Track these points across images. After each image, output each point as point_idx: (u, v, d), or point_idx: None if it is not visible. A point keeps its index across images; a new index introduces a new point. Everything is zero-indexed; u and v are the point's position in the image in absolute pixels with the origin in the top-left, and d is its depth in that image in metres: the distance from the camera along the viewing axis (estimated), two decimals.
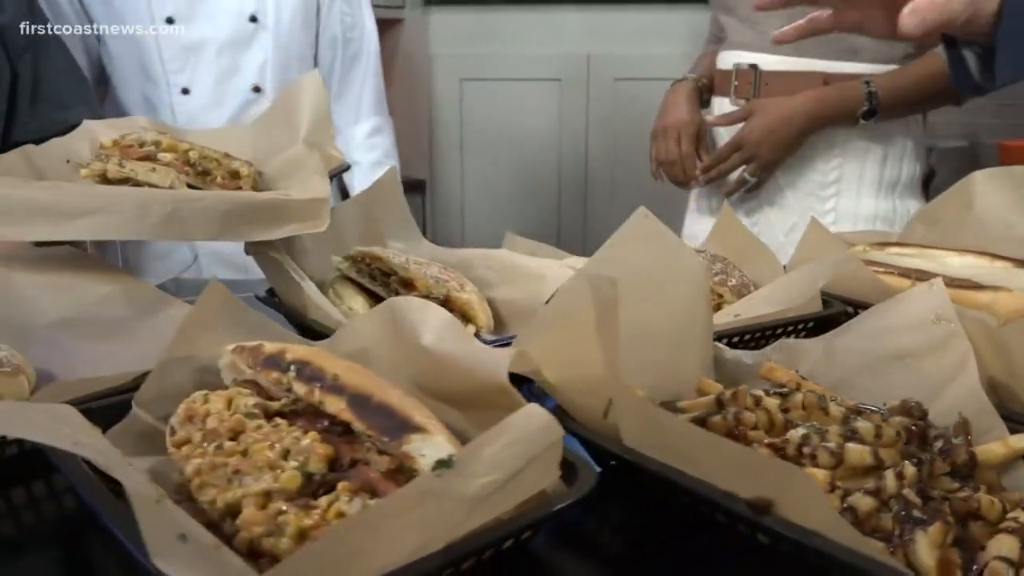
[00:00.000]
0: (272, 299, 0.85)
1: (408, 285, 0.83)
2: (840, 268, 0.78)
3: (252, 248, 0.81)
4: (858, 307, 0.80)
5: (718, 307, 0.83)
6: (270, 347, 0.56)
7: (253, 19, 1.38)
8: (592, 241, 1.33)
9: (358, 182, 1.53)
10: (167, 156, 0.88)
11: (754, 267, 0.89)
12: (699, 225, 1.49)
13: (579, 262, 0.90)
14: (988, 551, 0.41)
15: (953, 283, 0.85)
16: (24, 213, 0.73)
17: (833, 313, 0.79)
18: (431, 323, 0.56)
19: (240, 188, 0.89)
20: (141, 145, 0.89)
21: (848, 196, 1.32)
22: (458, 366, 0.50)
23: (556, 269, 0.85)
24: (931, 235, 0.96)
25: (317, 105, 0.93)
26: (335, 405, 0.50)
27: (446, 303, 0.81)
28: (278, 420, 0.51)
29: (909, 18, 0.71)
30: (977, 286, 0.84)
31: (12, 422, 0.44)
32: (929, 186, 1.69)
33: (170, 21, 1.34)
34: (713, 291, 0.84)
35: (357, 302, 0.82)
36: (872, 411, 0.51)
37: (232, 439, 0.49)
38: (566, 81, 2.62)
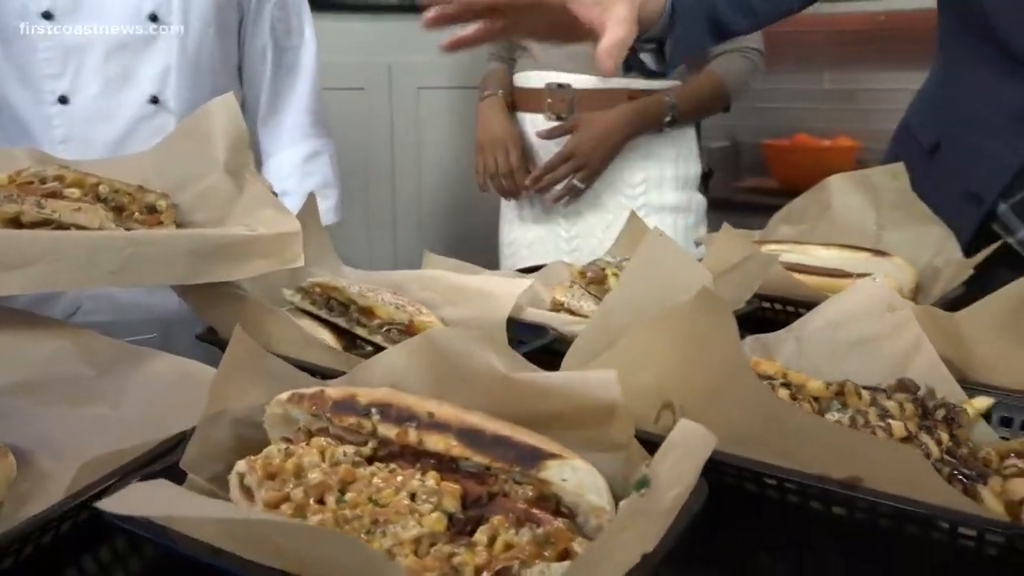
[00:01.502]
0: (214, 337, 0.81)
1: (368, 313, 0.82)
2: (753, 267, 0.89)
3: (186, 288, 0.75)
4: (775, 302, 0.92)
5: None
6: (334, 392, 0.55)
7: (153, 18, 1.19)
8: (402, 249, 1.35)
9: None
10: (74, 192, 0.80)
11: None
12: (516, 232, 1.62)
13: (518, 277, 0.94)
14: (1015, 491, 0.51)
15: (828, 272, 1.00)
16: None
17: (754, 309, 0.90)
18: (493, 353, 0.57)
19: (161, 223, 0.82)
20: (43, 181, 0.80)
21: (653, 192, 1.52)
22: (560, 390, 0.52)
23: (504, 285, 0.88)
24: (794, 232, 1.11)
25: (233, 127, 0.88)
26: (441, 443, 0.50)
27: (409, 328, 0.81)
28: (378, 465, 0.50)
29: (606, 62, 0.77)
30: (847, 274, 0.99)
31: (161, 506, 0.41)
32: (708, 182, 1.92)
33: (47, 16, 1.13)
34: None
35: (323, 333, 0.80)
36: (879, 391, 0.61)
37: (342, 491, 0.48)
38: (369, 90, 2.61)
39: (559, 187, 1.46)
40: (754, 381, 0.49)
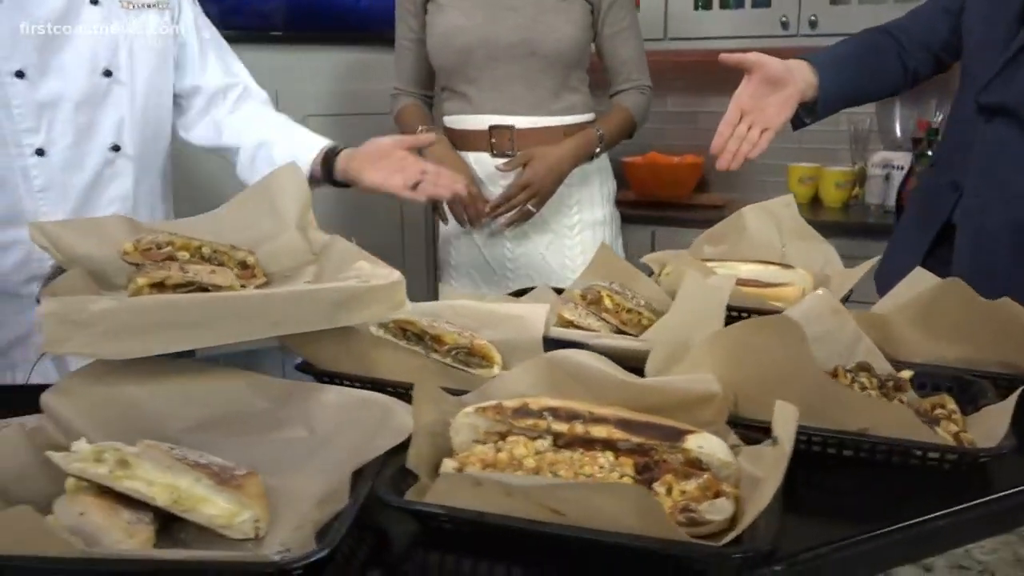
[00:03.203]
0: (309, 368, 0.96)
1: (438, 340, 1.01)
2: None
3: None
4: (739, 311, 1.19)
5: (642, 324, 1.15)
6: (508, 403, 0.75)
7: (107, 73, 1.29)
8: None
9: None
10: (184, 255, 0.93)
11: (636, 288, 1.23)
12: (463, 255, 1.81)
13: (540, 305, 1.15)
14: (951, 429, 0.81)
15: (749, 283, 1.29)
16: (141, 328, 0.77)
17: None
18: (604, 364, 0.79)
19: (254, 276, 0.97)
20: (159, 247, 0.92)
21: (587, 210, 1.80)
22: (670, 388, 0.75)
23: (528, 309, 1.09)
24: (717, 251, 1.40)
25: (300, 190, 1.04)
26: (604, 431, 0.72)
27: (471, 349, 1.01)
28: (563, 451, 0.71)
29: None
30: (766, 284, 1.29)
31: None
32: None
33: (19, 75, 1.21)
34: (632, 311, 1.16)
35: None
36: (849, 371, 0.89)
37: (554, 470, 0.69)
38: None
39: (513, 212, 1.69)
40: (818, 371, 0.75)
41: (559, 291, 1.30)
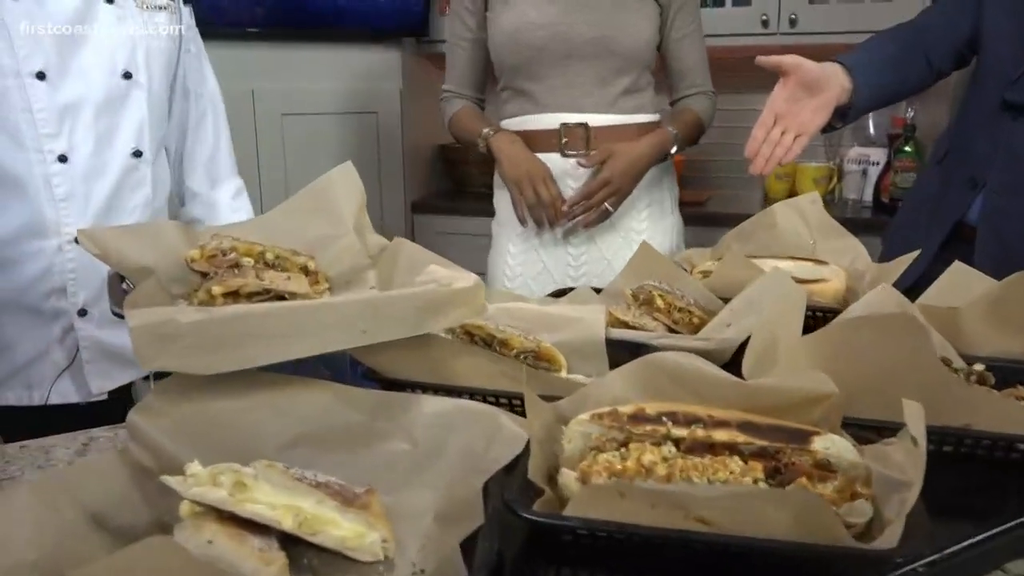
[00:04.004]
0: (376, 375, 0.93)
1: (505, 344, 0.98)
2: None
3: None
4: None
5: (693, 323, 1.14)
6: (624, 409, 0.73)
7: (127, 76, 1.23)
8: None
9: None
10: (248, 261, 0.89)
11: (682, 286, 1.22)
12: (520, 262, 1.72)
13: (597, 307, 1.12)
14: None
15: (806, 281, 1.28)
16: (231, 341, 0.73)
17: None
18: (708, 365, 0.78)
19: (318, 282, 0.94)
20: (224, 254, 0.88)
21: (657, 213, 1.76)
22: (785, 389, 0.74)
23: (585, 311, 1.07)
24: (746, 248, 1.40)
25: (356, 192, 1.00)
26: (726, 435, 0.70)
27: (538, 353, 0.99)
28: (688, 457, 0.70)
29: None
30: (803, 281, 1.29)
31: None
32: None
33: (41, 77, 1.14)
34: (683, 309, 1.15)
35: None
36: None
37: (686, 477, 0.67)
38: (231, 117, 2.60)
39: (591, 211, 1.63)
40: (941, 369, 0.76)
41: (597, 291, 1.29)
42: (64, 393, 1.28)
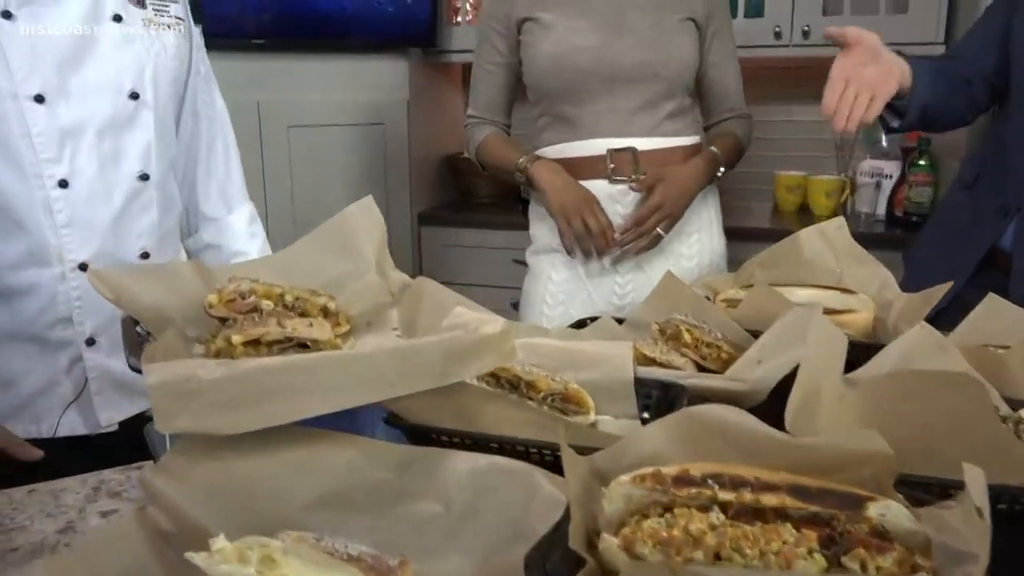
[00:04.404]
0: (399, 422, 0.89)
1: (532, 387, 0.95)
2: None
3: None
4: None
5: (721, 359, 1.11)
6: (667, 470, 0.69)
7: (134, 96, 1.19)
8: None
9: None
10: (268, 304, 0.85)
11: (708, 319, 1.18)
12: (564, 291, 1.65)
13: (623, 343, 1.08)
14: None
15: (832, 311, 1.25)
16: (255, 397, 0.70)
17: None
18: (753, 420, 0.75)
19: (338, 323, 0.90)
20: (243, 297, 0.84)
21: (706, 237, 1.71)
22: (838, 446, 0.71)
23: (612, 347, 1.04)
24: (771, 275, 1.37)
25: (377, 228, 0.96)
26: (775, 499, 0.67)
27: (565, 395, 0.95)
28: (734, 523, 0.66)
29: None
30: (831, 311, 1.26)
31: None
32: None
33: (39, 100, 1.10)
34: (711, 344, 1.12)
35: None
36: None
37: (736, 548, 0.64)
38: (237, 129, 2.56)
39: (643, 238, 1.58)
40: (1002, 430, 0.72)
41: (619, 320, 1.25)
42: (72, 425, 1.24)
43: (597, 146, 1.60)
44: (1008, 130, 1.43)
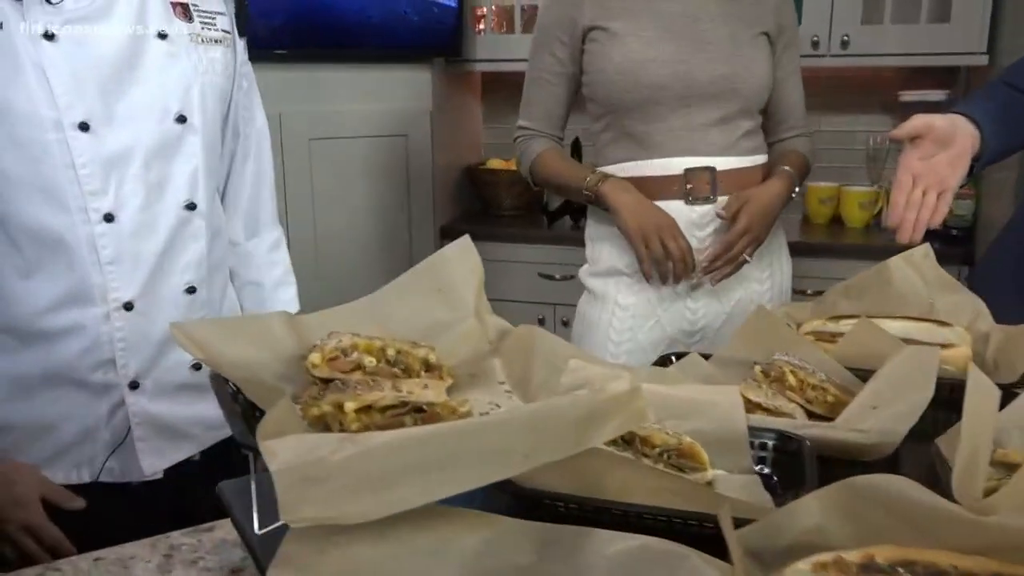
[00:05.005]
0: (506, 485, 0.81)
1: (646, 442, 0.87)
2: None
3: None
4: None
5: (827, 402, 1.04)
6: (851, 556, 0.62)
7: (181, 119, 1.10)
8: (301, 303, 1.36)
9: (259, 307, 1.34)
10: (371, 361, 0.77)
11: (806, 357, 1.11)
12: (631, 319, 1.55)
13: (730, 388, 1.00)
14: None
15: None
16: (386, 478, 0.62)
17: None
18: (925, 493, 0.67)
19: (441, 379, 0.82)
20: (345, 354, 0.76)
21: (777, 263, 1.63)
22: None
23: (720, 394, 0.96)
24: (857, 306, 1.30)
25: (476, 269, 0.89)
26: None
27: (680, 451, 0.88)
28: None
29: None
30: (925, 344, 1.19)
31: None
32: None
33: (84, 127, 1.01)
34: (817, 387, 1.04)
35: None
36: None
37: None
38: None
39: (729, 265, 1.49)
40: None
41: (704, 356, 1.18)
42: (113, 473, 1.16)
43: (672, 165, 1.50)
44: None
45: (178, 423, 1.19)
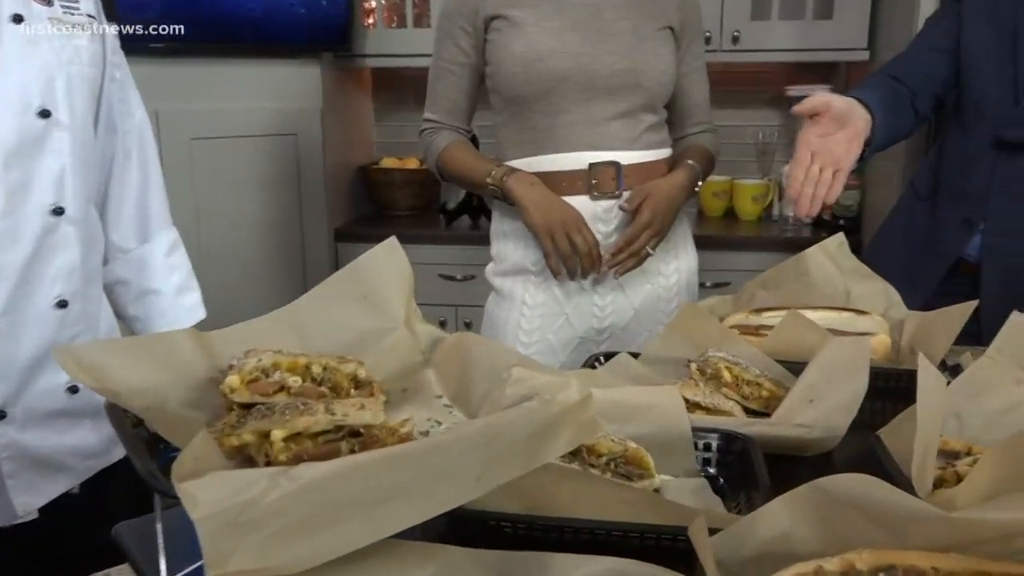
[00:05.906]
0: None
1: (592, 451, 0.82)
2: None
3: None
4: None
5: (763, 397, 1.02)
6: (831, 565, 0.58)
7: (44, 114, 0.98)
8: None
9: (161, 317, 1.22)
10: (296, 381, 0.69)
11: (738, 353, 1.09)
12: (540, 316, 1.51)
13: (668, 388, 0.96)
14: None
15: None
16: (326, 517, 0.54)
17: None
18: (895, 492, 0.65)
19: (373, 395, 0.74)
20: (266, 374, 0.68)
21: (683, 255, 1.60)
22: (994, 520, 0.62)
23: (659, 395, 0.93)
24: (776, 297, 1.29)
25: (405, 276, 0.81)
26: None
27: (626, 457, 0.83)
28: None
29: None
30: (845, 334, 1.19)
31: None
32: None
33: None
34: (752, 382, 1.02)
35: None
36: None
37: None
38: None
39: (633, 259, 1.45)
40: None
41: (633, 355, 1.14)
42: None
43: (577, 160, 1.46)
44: (964, 142, 1.43)
45: (52, 454, 1.07)
